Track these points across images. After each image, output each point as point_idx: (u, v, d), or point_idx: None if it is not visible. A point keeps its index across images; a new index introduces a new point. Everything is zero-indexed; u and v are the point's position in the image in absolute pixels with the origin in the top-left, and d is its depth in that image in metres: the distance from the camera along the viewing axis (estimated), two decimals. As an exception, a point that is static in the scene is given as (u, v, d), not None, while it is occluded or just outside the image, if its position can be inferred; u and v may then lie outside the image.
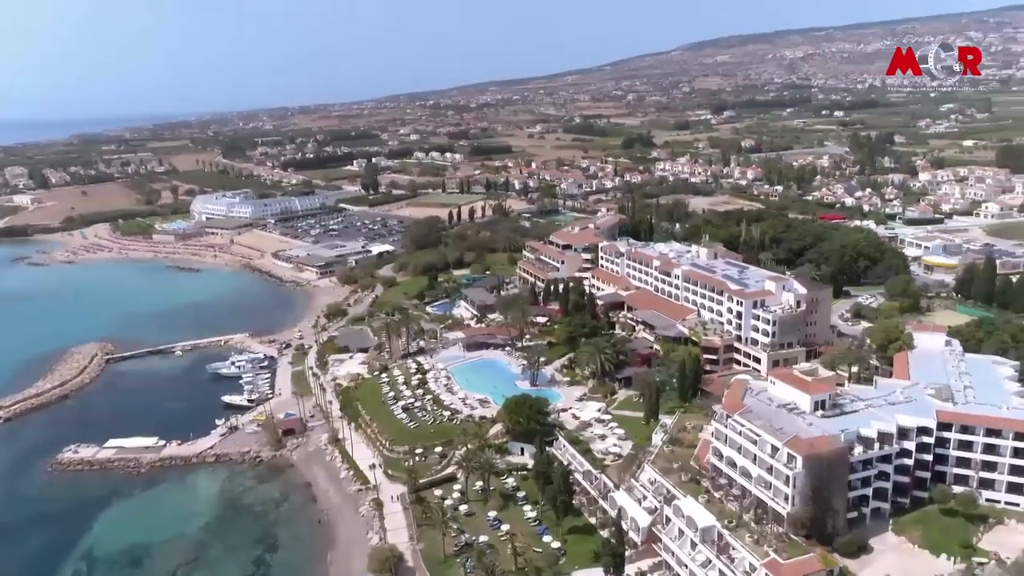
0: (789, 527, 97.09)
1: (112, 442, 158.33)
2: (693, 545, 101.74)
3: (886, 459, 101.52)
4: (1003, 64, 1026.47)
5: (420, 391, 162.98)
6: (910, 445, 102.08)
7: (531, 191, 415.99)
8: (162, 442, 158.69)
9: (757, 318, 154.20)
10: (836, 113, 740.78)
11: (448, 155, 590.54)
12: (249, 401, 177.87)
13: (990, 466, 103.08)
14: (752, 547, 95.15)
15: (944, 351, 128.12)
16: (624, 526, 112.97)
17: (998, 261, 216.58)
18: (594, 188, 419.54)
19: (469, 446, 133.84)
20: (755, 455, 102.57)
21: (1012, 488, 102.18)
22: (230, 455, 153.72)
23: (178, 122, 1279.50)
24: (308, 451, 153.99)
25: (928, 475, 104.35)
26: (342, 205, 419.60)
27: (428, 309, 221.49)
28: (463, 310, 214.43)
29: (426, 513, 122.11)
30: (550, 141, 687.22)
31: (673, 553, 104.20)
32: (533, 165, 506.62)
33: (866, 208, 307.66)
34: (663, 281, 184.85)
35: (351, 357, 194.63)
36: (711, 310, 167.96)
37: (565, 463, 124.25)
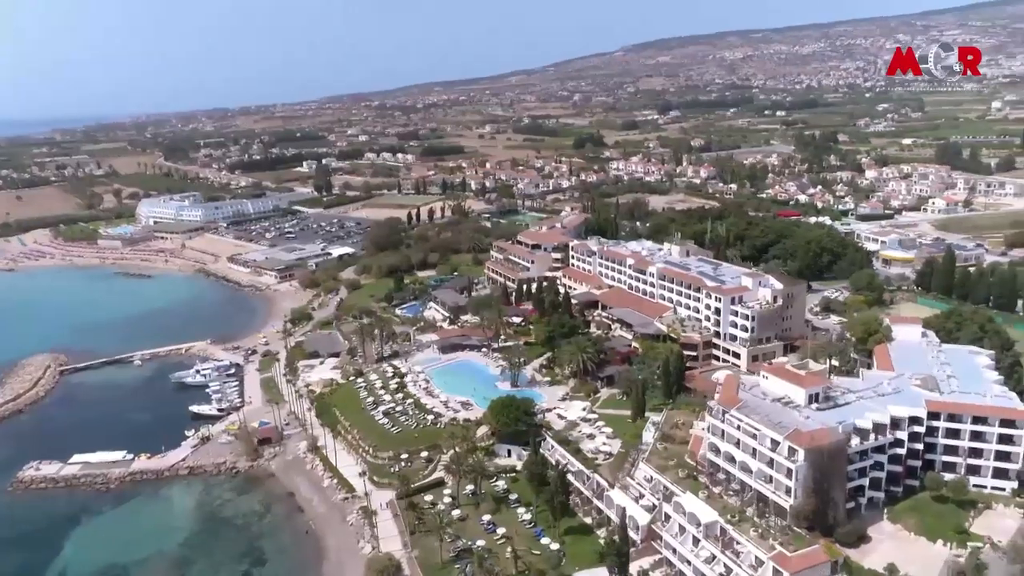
0: (792, 520, 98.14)
1: (77, 457, 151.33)
2: (696, 541, 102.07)
3: (880, 449, 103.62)
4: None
5: (400, 395, 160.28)
6: (903, 435, 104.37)
7: (488, 191, 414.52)
8: (130, 456, 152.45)
9: (736, 314, 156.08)
10: (778, 113, 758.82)
11: (400, 156, 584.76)
12: (219, 410, 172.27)
13: (976, 453, 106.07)
14: (757, 541, 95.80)
15: (922, 342, 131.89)
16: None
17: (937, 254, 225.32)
18: (551, 188, 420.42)
19: (457, 449, 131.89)
20: (754, 449, 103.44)
21: (998, 473, 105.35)
22: (204, 467, 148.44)
23: (112, 124, 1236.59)
24: (287, 460, 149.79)
25: (919, 464, 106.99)
26: (296, 207, 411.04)
27: (397, 312, 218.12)
28: (434, 312, 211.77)
29: (420, 519, 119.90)
30: (501, 141, 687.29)
31: (675, 550, 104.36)
32: (488, 165, 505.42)
33: (819, 205, 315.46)
34: (637, 279, 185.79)
35: (322, 362, 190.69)
36: (688, 307, 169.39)
37: (556, 464, 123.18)
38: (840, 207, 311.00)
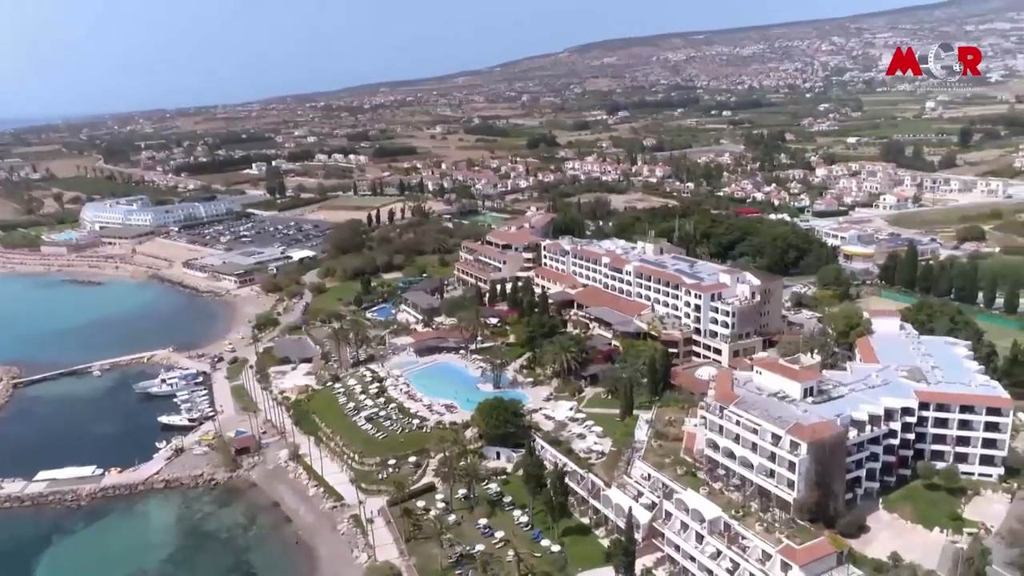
0: (795, 512, 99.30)
1: (42, 474, 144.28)
2: (699, 538, 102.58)
3: (875, 440, 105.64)
4: (864, 67, 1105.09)
5: (381, 400, 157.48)
6: (896, 426, 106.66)
7: (447, 192, 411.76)
8: (99, 470, 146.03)
9: (716, 310, 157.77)
10: (724, 113, 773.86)
11: (352, 157, 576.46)
12: (190, 421, 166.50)
13: (963, 441, 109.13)
14: (763, 535, 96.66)
15: (900, 334, 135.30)
16: (622, 524, 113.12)
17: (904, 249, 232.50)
18: (509, 188, 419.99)
19: (447, 453, 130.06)
20: (755, 444, 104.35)
21: (984, 460, 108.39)
22: (181, 480, 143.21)
23: (44, 126, 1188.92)
24: (267, 469, 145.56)
25: (910, 453, 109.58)
26: (250, 210, 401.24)
27: (368, 315, 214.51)
28: (407, 314, 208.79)
29: (416, 526, 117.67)
30: (453, 142, 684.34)
31: (678, 547, 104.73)
32: (443, 166, 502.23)
33: (776, 203, 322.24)
34: (613, 278, 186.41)
35: (294, 368, 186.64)
36: (666, 304, 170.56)
37: (555, 465, 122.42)
38: (795, 204, 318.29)
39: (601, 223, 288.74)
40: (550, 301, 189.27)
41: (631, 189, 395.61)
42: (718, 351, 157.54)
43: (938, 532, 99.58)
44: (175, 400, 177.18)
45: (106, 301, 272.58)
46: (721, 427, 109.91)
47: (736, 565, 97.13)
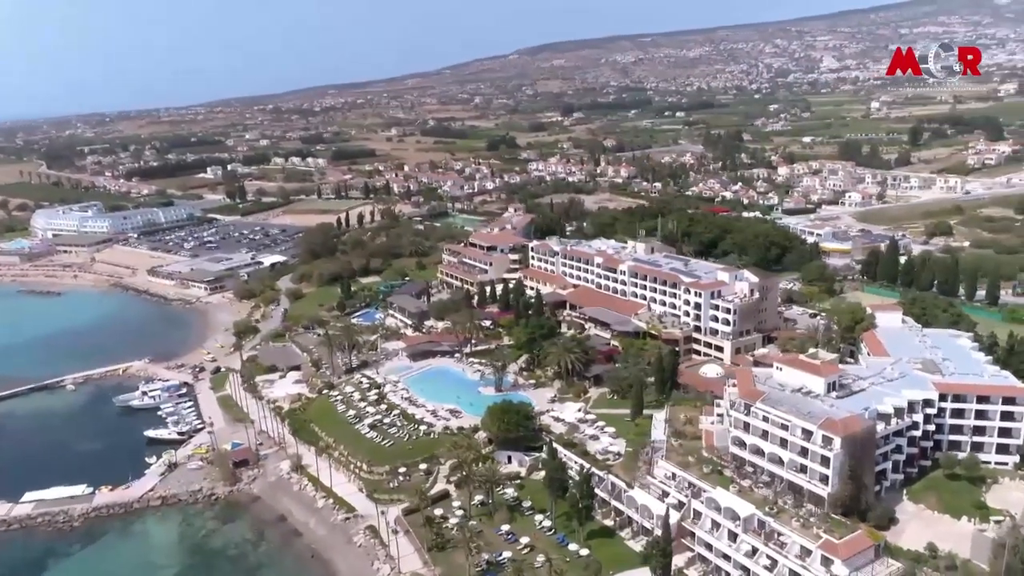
0: (830, 507, 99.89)
1: (29, 495, 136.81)
2: (733, 536, 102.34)
3: (899, 433, 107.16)
4: (806, 69, 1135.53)
5: (383, 407, 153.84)
6: (918, 418, 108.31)
7: (414, 194, 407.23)
8: (89, 489, 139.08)
9: (716, 308, 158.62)
10: (678, 114, 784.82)
11: (310, 160, 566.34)
12: (179, 434, 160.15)
13: (979, 430, 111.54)
14: (800, 531, 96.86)
15: (903, 328, 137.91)
16: (648, 524, 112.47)
17: (881, 245, 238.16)
18: (476, 190, 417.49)
19: (461, 459, 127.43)
20: (785, 440, 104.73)
21: (1000, 449, 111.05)
22: (178, 496, 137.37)
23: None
24: (269, 482, 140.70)
25: (930, 444, 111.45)
26: (211, 215, 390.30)
27: (353, 320, 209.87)
28: (395, 319, 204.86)
29: (438, 534, 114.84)
30: (411, 144, 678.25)
31: (710, 546, 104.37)
32: (406, 168, 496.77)
33: (746, 201, 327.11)
34: (607, 277, 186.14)
35: (282, 376, 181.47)
36: (663, 303, 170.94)
37: (580, 467, 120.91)
38: (765, 202, 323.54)
39: (575, 224, 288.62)
40: (544, 302, 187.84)
41: (598, 190, 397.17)
42: (719, 348, 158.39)
43: (965, 521, 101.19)
44: (160, 413, 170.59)
45: (68, 312, 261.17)
46: (747, 424, 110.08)
47: (774, 562, 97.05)
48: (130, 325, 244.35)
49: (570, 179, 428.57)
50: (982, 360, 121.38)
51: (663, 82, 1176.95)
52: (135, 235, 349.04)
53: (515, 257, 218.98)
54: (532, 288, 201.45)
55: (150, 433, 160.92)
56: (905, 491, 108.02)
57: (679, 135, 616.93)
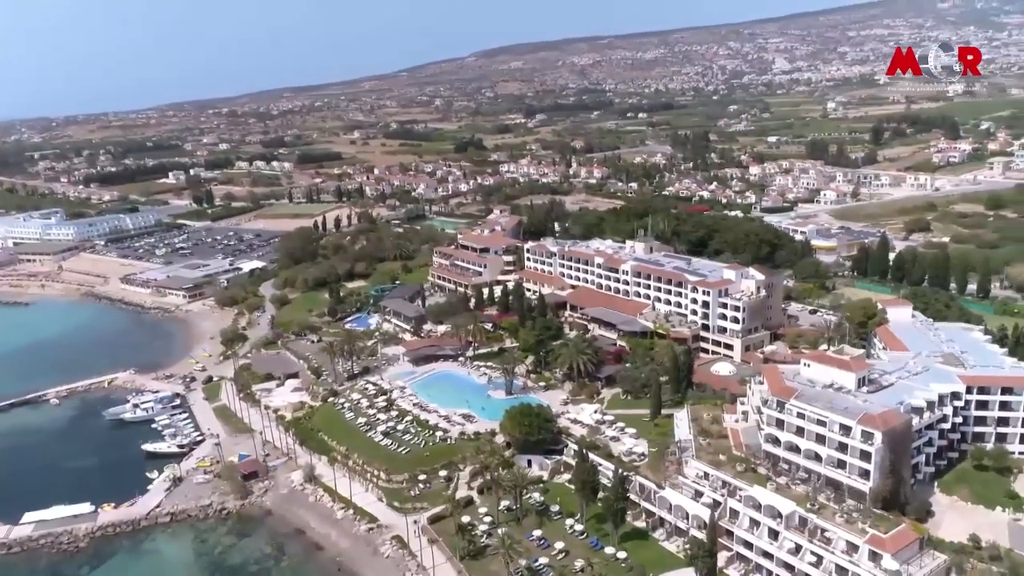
0: (871, 502, 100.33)
1: (28, 516, 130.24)
2: (774, 534, 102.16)
3: (930, 426, 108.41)
4: (760, 70, 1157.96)
5: (394, 413, 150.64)
6: (948, 410, 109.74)
7: (388, 197, 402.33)
8: (91, 507, 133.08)
9: (725, 306, 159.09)
10: (640, 115, 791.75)
11: (275, 164, 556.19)
12: (179, 447, 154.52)
13: (1004, 422, 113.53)
14: (845, 527, 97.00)
15: (914, 322, 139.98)
16: (683, 525, 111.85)
17: (864, 241, 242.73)
18: (451, 192, 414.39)
19: (484, 463, 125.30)
20: (822, 436, 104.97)
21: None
22: (187, 511, 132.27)
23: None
24: (281, 494, 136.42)
25: (957, 436, 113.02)
26: (180, 221, 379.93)
27: (347, 325, 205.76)
28: (391, 323, 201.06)
29: (470, 542, 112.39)
30: (376, 147, 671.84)
31: (751, 545, 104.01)
32: (376, 171, 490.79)
33: (724, 200, 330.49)
34: (608, 277, 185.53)
35: (280, 385, 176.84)
36: (668, 302, 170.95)
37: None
38: (742, 201, 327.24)
39: (558, 225, 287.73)
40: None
41: (574, 191, 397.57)
42: (729, 347, 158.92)
43: (999, 511, 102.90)
44: (154, 426, 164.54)
45: (39, 323, 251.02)
46: (781, 421, 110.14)
47: (819, 558, 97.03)
48: (107, 335, 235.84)
49: (544, 180, 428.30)
50: (998, 352, 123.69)
51: (621, 84, 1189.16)
52: (102, 242, 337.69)
53: (509, 259, 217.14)
54: (538, 290, 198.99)
55: (148, 447, 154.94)
56: (936, 483, 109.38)
57: (645, 136, 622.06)
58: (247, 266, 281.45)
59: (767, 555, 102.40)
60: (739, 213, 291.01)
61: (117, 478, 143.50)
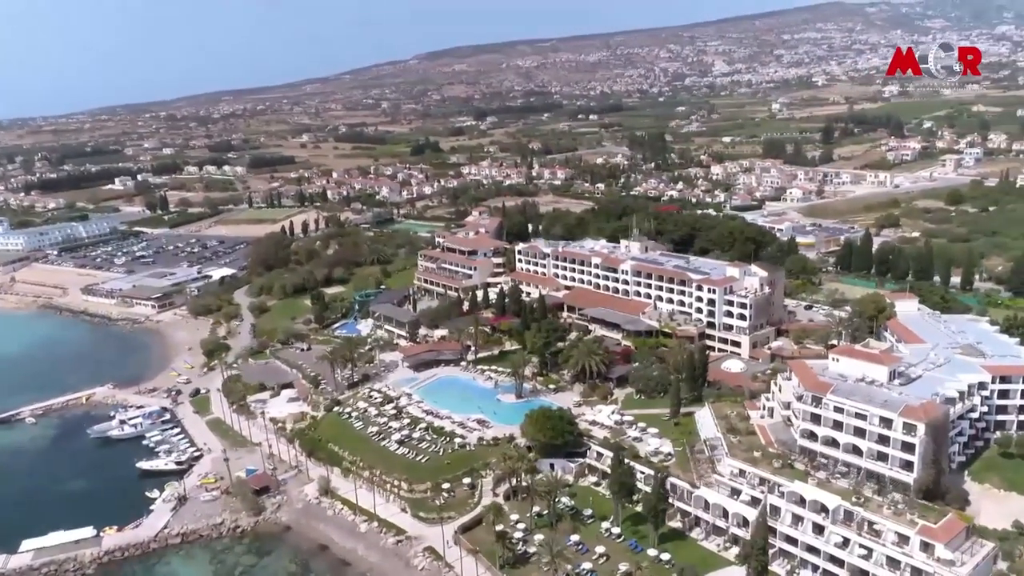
0: (916, 492, 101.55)
1: (27, 544, 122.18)
2: (818, 528, 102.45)
3: (961, 416, 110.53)
4: (701, 73, 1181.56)
5: (406, 421, 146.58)
6: (976, 400, 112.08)
7: (352, 201, 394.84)
8: (92, 531, 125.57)
9: (731, 303, 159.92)
10: (591, 117, 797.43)
11: (227, 168, 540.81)
12: (177, 464, 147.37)
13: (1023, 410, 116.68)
14: (894, 518, 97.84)
15: (922, 315, 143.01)
16: (722, 523, 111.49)
17: (842, 237, 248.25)
18: (415, 195, 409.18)
19: (514, 469, 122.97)
20: (862, 430, 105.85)
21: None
22: (199, 531, 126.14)
23: None
24: (297, 508, 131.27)
25: (983, 425, 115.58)
26: (137, 228, 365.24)
27: (336, 332, 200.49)
28: (383, 329, 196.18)
29: (510, 550, 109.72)
30: (328, 150, 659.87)
31: (795, 541, 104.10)
32: (335, 174, 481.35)
33: (693, 199, 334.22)
34: (606, 277, 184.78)
35: (274, 395, 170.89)
36: (670, 301, 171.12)
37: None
38: (711, 200, 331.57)
39: (532, 226, 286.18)
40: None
41: (540, 192, 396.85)
42: (736, 343, 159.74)
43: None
44: (146, 443, 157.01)
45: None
46: (817, 416, 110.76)
47: (869, 551, 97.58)
48: (75, 349, 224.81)
49: (508, 182, 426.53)
50: (1013, 343, 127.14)
51: (566, 86, 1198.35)
52: (55, 252, 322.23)
53: (498, 261, 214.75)
54: (539, 292, 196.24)
55: (143, 465, 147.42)
56: (967, 472, 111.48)
57: (601, 137, 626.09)
58: (216, 273, 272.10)
59: (811, 550, 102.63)
60: (712, 211, 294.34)
61: (113, 499, 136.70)
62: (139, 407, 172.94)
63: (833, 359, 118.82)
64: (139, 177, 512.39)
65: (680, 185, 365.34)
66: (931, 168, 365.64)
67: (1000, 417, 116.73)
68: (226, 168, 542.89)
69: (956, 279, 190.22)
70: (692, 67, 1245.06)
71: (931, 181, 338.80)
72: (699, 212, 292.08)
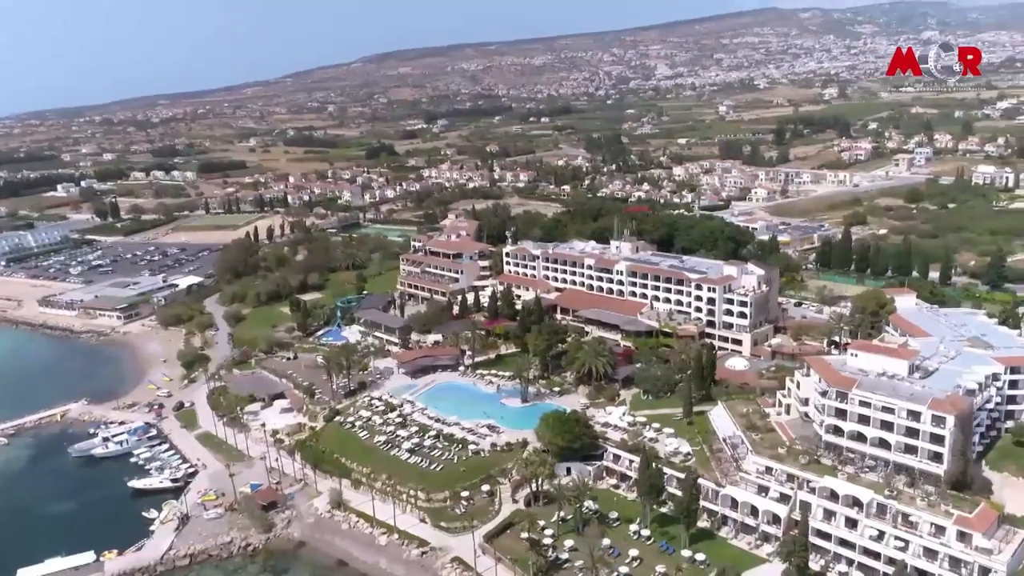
0: (946, 483, 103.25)
1: (24, 573, 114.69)
2: (851, 523, 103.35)
3: (980, 407, 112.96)
4: (644, 76, 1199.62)
5: (414, 429, 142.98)
6: (993, 391, 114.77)
7: (314, 205, 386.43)
8: (92, 556, 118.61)
9: (731, 302, 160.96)
10: (542, 119, 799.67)
11: (176, 174, 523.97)
12: (172, 481, 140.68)
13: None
14: (929, 510, 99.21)
15: (920, 309, 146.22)
16: (752, 521, 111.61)
17: (815, 235, 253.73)
18: (378, 199, 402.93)
19: (537, 474, 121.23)
20: (889, 423, 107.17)
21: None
22: (208, 551, 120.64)
23: None
24: (308, 523, 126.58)
25: (997, 415, 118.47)
26: (89, 237, 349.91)
27: (323, 340, 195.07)
28: (372, 336, 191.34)
29: (543, 557, 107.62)
30: (278, 154, 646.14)
31: (830, 536, 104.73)
32: (292, 179, 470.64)
33: (662, 200, 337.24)
34: (599, 278, 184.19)
35: (266, 406, 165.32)
36: (667, 301, 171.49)
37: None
38: (679, 200, 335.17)
39: (507, 227, 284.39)
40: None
41: (505, 194, 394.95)
42: (737, 341, 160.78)
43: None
44: (134, 460, 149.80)
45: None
46: (843, 411, 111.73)
47: (905, 543, 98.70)
48: (38, 364, 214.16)
49: (471, 185, 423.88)
50: (1014, 334, 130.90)
51: (513, 89, 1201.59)
52: (2, 262, 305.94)
53: (484, 263, 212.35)
54: (535, 294, 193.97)
55: (136, 484, 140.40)
56: (984, 462, 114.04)
57: (556, 140, 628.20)
58: (183, 282, 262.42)
59: (845, 544, 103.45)
60: (684, 211, 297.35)
61: (108, 521, 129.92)
62: (121, 423, 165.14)
63: (852, 354, 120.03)
64: (83, 183, 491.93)
65: (646, 186, 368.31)
66: (886, 167, 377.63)
67: (1010, 407, 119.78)
68: (175, 173, 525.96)
69: (933, 275, 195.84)
70: (636, 71, 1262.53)
71: (888, 180, 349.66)
72: (675, 212, 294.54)
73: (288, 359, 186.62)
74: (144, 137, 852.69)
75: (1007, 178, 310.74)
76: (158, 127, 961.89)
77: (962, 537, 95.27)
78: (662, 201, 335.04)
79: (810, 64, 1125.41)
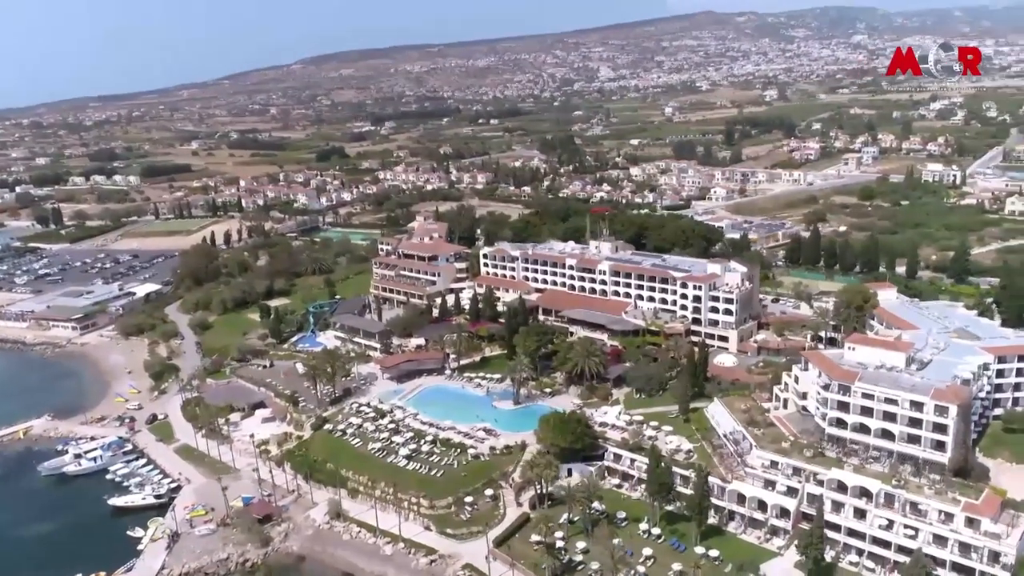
0: (949, 471, 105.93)
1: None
2: (860, 513, 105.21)
3: (975, 396, 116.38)
4: (588, 78, 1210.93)
5: (409, 435, 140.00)
6: (984, 381, 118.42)
7: (269, 209, 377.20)
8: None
9: (716, 299, 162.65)
10: (492, 121, 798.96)
11: (118, 178, 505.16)
12: (156, 498, 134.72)
13: (1018, 387, 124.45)
14: (937, 498, 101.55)
15: (900, 302, 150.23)
16: (760, 516, 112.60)
17: (779, 233, 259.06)
18: (335, 202, 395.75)
19: (543, 478, 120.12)
20: (892, 414, 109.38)
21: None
22: (204, 569, 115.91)
23: None
24: (306, 536, 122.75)
25: (987, 403, 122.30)
26: (32, 244, 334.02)
27: (299, 347, 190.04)
28: (349, 341, 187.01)
29: (559, 560, 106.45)
30: (224, 157, 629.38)
31: (839, 527, 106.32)
32: (243, 183, 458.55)
33: (624, 200, 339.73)
34: (582, 279, 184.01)
35: (246, 416, 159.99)
36: (651, 299, 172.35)
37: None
38: (642, 200, 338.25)
39: (475, 229, 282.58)
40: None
41: (464, 196, 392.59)
42: (723, 338, 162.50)
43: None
44: (110, 477, 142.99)
45: None
46: (846, 404, 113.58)
47: (915, 531, 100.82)
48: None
49: (429, 187, 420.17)
50: (995, 324, 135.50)
51: (458, 91, 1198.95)
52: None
53: (460, 266, 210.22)
54: (520, 296, 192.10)
55: (116, 501, 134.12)
56: (977, 449, 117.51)
57: (508, 142, 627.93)
58: (140, 290, 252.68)
59: (854, 534, 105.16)
60: (648, 211, 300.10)
61: (90, 542, 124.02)
62: (92, 438, 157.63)
63: (849, 347, 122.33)
64: (18, 189, 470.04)
65: (606, 187, 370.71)
66: (837, 166, 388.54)
67: (997, 395, 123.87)
68: (117, 178, 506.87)
69: (899, 269, 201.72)
70: (579, 72, 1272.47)
71: (840, 179, 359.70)
72: (642, 212, 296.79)
73: (264, 367, 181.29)
74: (78, 140, 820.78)
75: (954, 176, 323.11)
76: (91, 130, 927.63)
77: (970, 523, 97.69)
78: (624, 201, 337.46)
79: (748, 67, 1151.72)
